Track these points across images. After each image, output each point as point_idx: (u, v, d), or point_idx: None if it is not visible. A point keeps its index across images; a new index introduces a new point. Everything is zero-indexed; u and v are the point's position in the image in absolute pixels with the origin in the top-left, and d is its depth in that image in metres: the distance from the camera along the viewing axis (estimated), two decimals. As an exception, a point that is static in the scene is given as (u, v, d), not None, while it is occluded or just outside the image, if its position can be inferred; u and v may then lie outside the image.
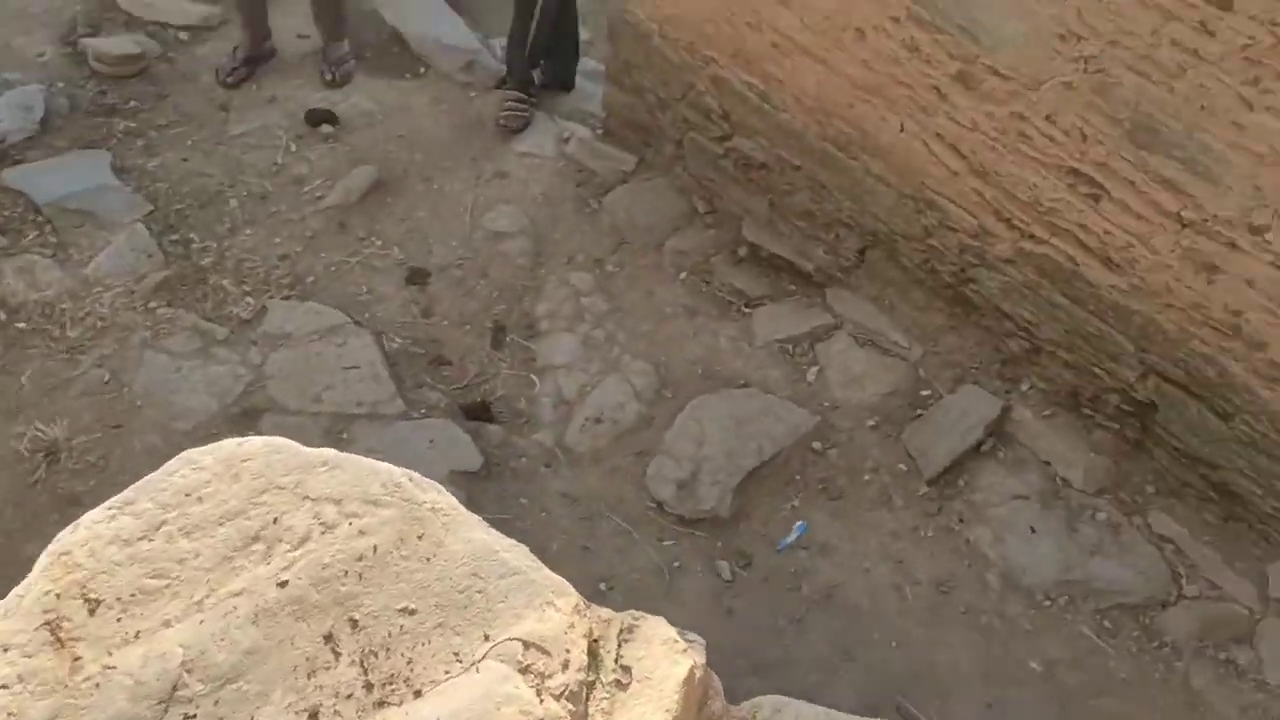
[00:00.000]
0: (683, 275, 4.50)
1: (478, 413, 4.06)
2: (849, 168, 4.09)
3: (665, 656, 1.70)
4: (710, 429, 3.98)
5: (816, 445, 4.02)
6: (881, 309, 4.31)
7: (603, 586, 3.65)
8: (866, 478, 3.97)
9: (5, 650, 1.50)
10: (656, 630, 1.74)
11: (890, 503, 3.91)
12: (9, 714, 1.44)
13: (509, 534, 1.74)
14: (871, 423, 4.09)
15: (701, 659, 1.75)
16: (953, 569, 3.77)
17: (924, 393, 4.16)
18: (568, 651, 1.63)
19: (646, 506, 3.85)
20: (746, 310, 4.38)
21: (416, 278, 4.41)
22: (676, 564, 3.73)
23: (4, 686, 1.46)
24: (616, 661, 1.70)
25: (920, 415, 4.09)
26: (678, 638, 1.73)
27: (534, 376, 4.18)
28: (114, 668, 1.50)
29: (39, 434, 3.58)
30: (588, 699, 1.63)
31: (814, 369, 4.23)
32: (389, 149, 4.88)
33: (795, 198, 4.34)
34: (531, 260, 4.53)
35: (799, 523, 3.84)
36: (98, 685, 1.49)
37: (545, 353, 4.25)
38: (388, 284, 4.38)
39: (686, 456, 3.91)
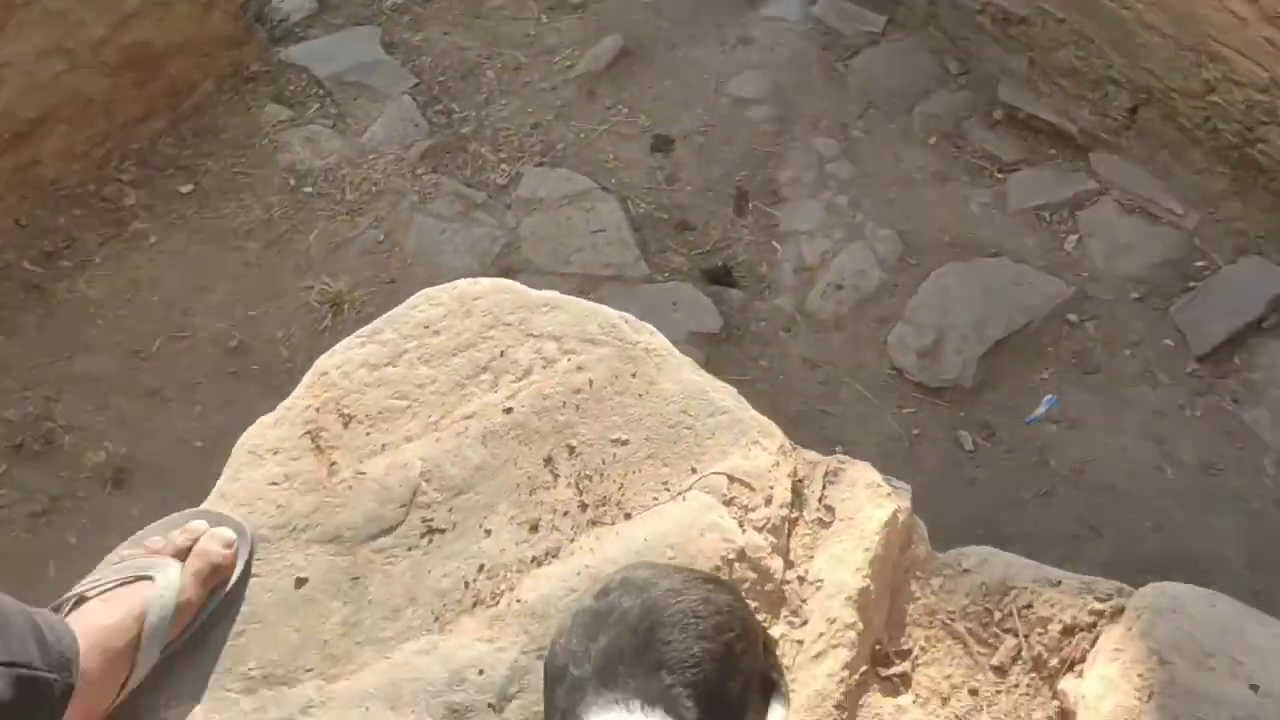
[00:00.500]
0: (932, 140, 4.31)
1: (719, 277, 4.11)
2: (1120, 19, 3.73)
3: (869, 499, 1.72)
4: (956, 297, 3.85)
5: (1072, 317, 3.80)
6: (1153, 173, 3.96)
7: (839, 450, 3.67)
8: (1128, 352, 3.73)
9: (275, 453, 1.72)
10: (861, 474, 1.75)
11: (1153, 379, 3.66)
12: (278, 505, 1.66)
13: (747, 396, 1.79)
14: (1136, 295, 3.82)
15: (906, 504, 1.75)
16: (1222, 451, 3.50)
17: (1198, 263, 3.83)
18: (771, 488, 1.68)
19: (887, 374, 3.80)
20: (1000, 176, 4.16)
21: (661, 144, 4.47)
22: (916, 432, 3.68)
23: (274, 484, 1.68)
24: (820, 501, 1.73)
25: (1192, 288, 3.77)
26: (882, 482, 1.74)
27: (775, 243, 4.17)
28: (364, 473, 1.69)
29: (325, 287, 3.98)
30: (789, 534, 1.68)
31: (1073, 237, 3.97)
32: (635, 17, 4.91)
33: (1058, 54, 4.02)
34: (775, 126, 4.47)
35: (1049, 396, 3.67)
36: (350, 487, 1.68)
37: (788, 219, 4.22)
38: (633, 151, 4.47)
39: (930, 324, 3.82)
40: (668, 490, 1.68)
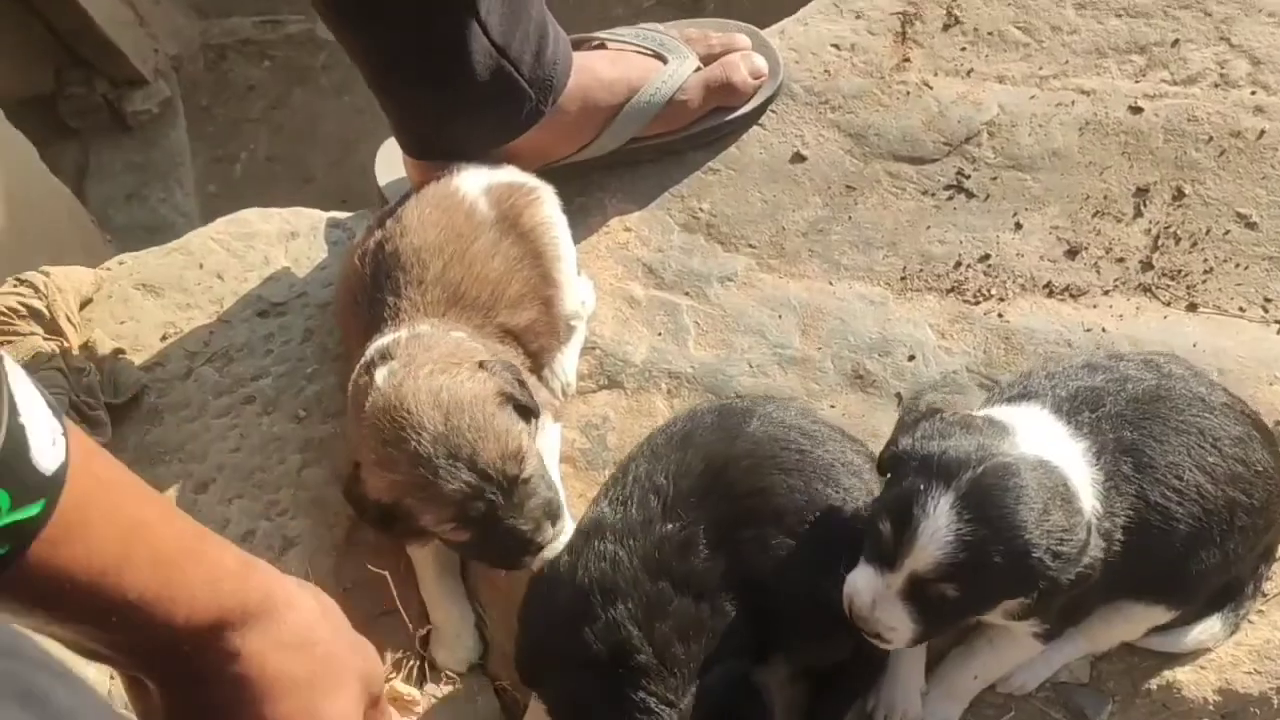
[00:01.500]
0: None
1: None
2: None
3: None
4: None
5: None
6: None
7: None
8: None
9: (858, 16, 1.45)
10: None
11: None
12: (826, 70, 1.42)
13: None
14: None
15: None
16: None
17: None
18: None
19: None
20: None
21: None
22: None
23: (835, 46, 1.43)
24: None
25: None
26: None
27: None
28: (931, 89, 1.39)
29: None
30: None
31: None
32: None
33: None
34: None
35: None
36: (908, 94, 1.39)
37: None
38: None
39: None
40: (1265, 310, 1.22)
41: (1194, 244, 1.26)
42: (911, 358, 1.24)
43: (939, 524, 0.89)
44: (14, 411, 0.50)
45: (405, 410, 0.95)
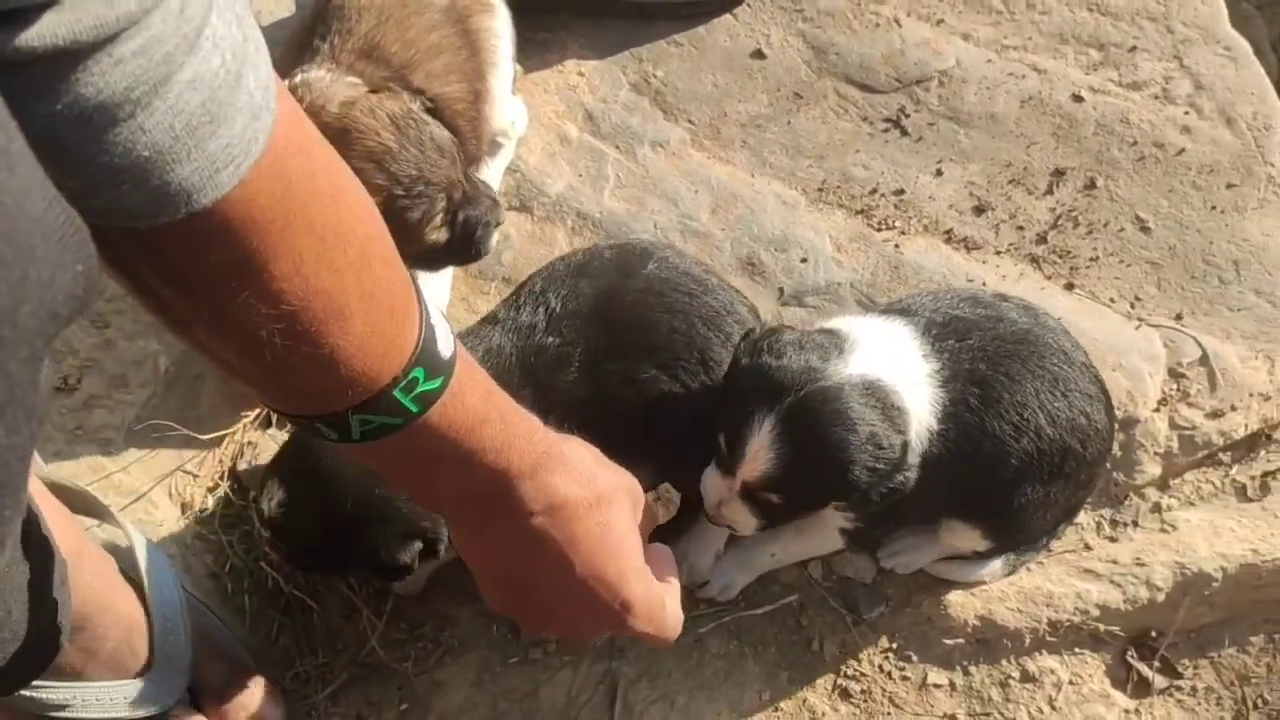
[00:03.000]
0: None
1: None
2: None
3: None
4: None
5: None
6: None
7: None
8: None
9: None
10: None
11: None
12: (807, -24, 1.47)
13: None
14: None
15: None
16: None
17: None
18: (1234, 407, 1.24)
19: None
20: None
21: None
22: None
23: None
24: None
25: None
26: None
27: None
28: (899, 25, 1.44)
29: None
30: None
31: None
32: None
33: None
34: None
35: None
36: (876, 25, 1.44)
37: None
38: None
39: None
40: (1132, 307, 1.30)
41: (1089, 232, 1.34)
42: (805, 260, 1.30)
43: (762, 443, 0.97)
44: (427, 316, 0.68)
45: (359, 128, 1.01)
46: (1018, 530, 1.13)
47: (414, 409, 0.68)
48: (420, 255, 1.09)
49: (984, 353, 1.06)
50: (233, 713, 1.06)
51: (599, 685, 1.14)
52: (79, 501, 1.03)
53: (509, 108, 1.27)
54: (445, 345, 0.69)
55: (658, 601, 0.84)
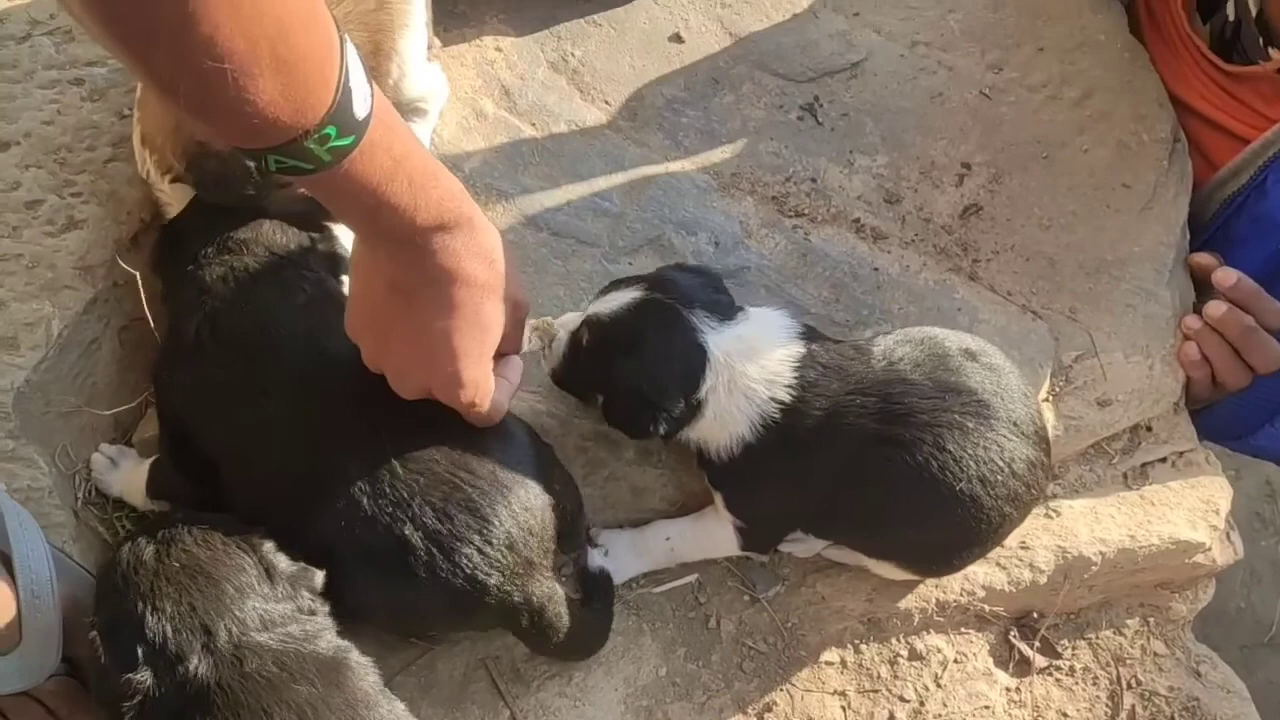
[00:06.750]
0: None
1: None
2: None
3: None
4: None
5: None
6: None
7: None
8: None
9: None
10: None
11: None
12: (727, -37, 1.48)
13: None
14: None
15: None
16: None
17: None
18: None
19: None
20: None
21: None
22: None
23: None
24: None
25: None
26: None
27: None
28: (816, 17, 1.46)
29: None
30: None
31: None
32: None
33: None
34: None
35: None
36: (794, 14, 1.46)
37: None
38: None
39: None
40: (1028, 301, 1.34)
41: (993, 226, 1.37)
42: (716, 244, 1.32)
43: (560, 345, 1.12)
44: (346, 77, 0.77)
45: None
46: (893, 555, 1.16)
47: (325, 159, 0.78)
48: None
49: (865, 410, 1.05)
50: None
51: (495, 658, 1.15)
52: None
53: (424, 75, 1.26)
54: (361, 108, 0.79)
55: (485, 390, 0.96)
